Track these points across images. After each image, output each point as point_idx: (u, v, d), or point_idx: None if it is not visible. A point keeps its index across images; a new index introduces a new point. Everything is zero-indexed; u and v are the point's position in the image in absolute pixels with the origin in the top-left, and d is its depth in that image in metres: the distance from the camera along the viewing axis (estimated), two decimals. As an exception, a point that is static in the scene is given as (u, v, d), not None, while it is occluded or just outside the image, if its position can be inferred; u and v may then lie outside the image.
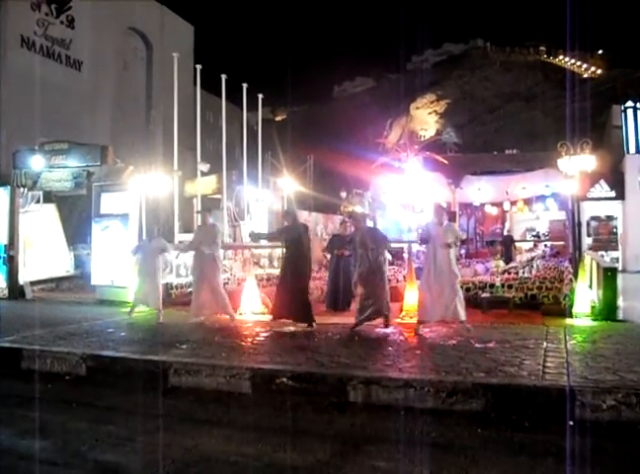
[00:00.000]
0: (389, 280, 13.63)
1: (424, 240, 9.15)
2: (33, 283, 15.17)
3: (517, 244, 24.11)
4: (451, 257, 8.77)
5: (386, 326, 9.18)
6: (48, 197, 16.67)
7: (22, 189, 14.67)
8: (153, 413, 5.76)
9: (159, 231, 11.68)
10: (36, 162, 14.20)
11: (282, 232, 10.12)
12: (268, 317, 10.63)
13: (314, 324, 9.42)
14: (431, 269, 8.80)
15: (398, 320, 9.83)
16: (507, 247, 22.11)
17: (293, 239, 9.54)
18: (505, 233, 25.35)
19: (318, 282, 13.57)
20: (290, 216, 10.05)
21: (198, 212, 11.18)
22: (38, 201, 15.92)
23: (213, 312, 10.37)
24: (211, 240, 10.21)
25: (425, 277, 8.93)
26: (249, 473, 4.39)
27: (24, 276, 14.88)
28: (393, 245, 20.01)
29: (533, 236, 28.13)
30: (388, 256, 19.85)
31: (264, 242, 16.20)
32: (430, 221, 9.50)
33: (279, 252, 19.95)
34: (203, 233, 10.41)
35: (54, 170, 14.28)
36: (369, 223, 16.31)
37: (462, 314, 8.68)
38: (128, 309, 11.22)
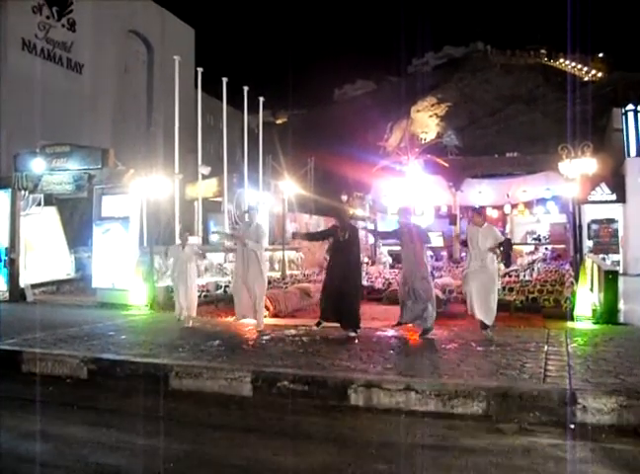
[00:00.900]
0: (390, 283, 13.70)
1: (464, 243, 9.16)
2: (33, 286, 15.17)
3: (516, 247, 24.07)
4: (492, 261, 8.72)
5: (421, 335, 8.76)
6: (49, 199, 16.69)
7: (23, 191, 14.69)
8: (154, 416, 5.75)
9: (159, 236, 11.64)
10: (36, 165, 14.22)
11: (329, 233, 9.59)
12: (269, 320, 10.63)
13: (358, 330, 8.93)
14: (469, 270, 8.83)
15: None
16: (505, 250, 21.80)
17: (342, 240, 9.05)
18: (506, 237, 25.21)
19: (319, 285, 13.54)
20: (339, 216, 9.68)
21: (245, 212, 10.82)
22: (39, 204, 15.93)
23: (247, 315, 9.77)
24: (255, 239, 9.54)
25: (464, 277, 8.97)
26: (250, 476, 4.39)
27: (25, 279, 14.89)
28: (394, 248, 20.07)
29: (534, 239, 28.14)
30: (389, 259, 19.85)
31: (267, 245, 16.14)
32: (469, 225, 9.52)
33: (279, 255, 19.98)
34: (248, 231, 9.68)
35: (55, 173, 14.30)
36: (369, 226, 16.42)
37: (486, 318, 8.58)
38: (177, 317, 10.47)
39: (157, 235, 11.20)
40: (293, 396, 6.16)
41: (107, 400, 6.39)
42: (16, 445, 4.99)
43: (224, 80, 19.21)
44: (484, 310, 8.52)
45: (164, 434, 5.16)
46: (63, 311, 12.56)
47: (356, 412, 5.82)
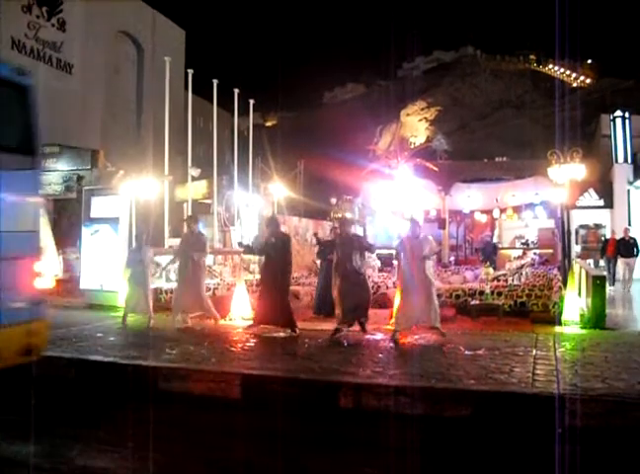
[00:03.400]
0: (379, 287, 13.72)
1: (399, 254, 9.25)
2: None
3: (504, 252, 24.11)
4: (427, 267, 8.99)
5: (363, 332, 9.26)
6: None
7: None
8: (142, 418, 5.72)
9: (148, 237, 11.59)
10: (25, 165, 14.11)
11: (266, 240, 9.94)
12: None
13: (297, 330, 9.36)
14: (407, 280, 8.96)
15: (389, 326, 9.76)
16: (487, 254, 21.29)
17: (274, 246, 9.49)
18: (487, 240, 24.85)
19: (308, 288, 13.55)
20: (273, 224, 9.97)
21: (184, 220, 11.09)
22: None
23: (196, 312, 10.60)
24: (199, 248, 10.29)
25: (402, 288, 9.05)
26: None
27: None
28: (383, 251, 20.07)
29: (522, 244, 28.21)
30: (377, 262, 19.86)
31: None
32: (406, 235, 9.55)
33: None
34: (191, 241, 10.43)
35: (45, 173, 14.21)
36: (358, 230, 16.55)
37: (437, 320, 8.89)
38: (121, 318, 10.73)
39: (144, 239, 11.17)
40: (282, 399, 6.14)
41: (94, 402, 6.36)
42: (3, 448, 4.95)
43: (215, 82, 19.21)
44: (430, 314, 8.82)
45: (152, 437, 5.12)
46: (50, 312, 12.41)
47: (344, 415, 5.82)
